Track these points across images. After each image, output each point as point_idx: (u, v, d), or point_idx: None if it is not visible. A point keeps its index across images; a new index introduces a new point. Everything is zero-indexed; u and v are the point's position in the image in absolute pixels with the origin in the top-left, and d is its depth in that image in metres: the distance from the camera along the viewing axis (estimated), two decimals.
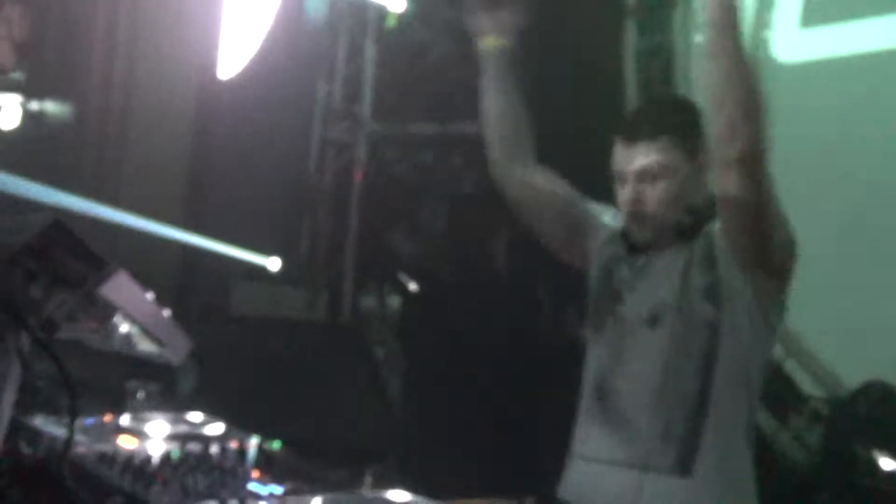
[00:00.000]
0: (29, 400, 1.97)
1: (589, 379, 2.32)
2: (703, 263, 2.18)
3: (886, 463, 3.99)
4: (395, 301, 5.81)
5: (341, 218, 6.12)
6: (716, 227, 2.21)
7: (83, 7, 6.27)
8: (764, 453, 4.89)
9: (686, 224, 2.20)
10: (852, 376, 4.79)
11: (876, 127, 5.08)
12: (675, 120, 2.25)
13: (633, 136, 2.22)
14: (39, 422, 2.04)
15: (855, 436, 4.17)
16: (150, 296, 1.67)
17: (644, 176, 2.19)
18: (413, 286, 5.60)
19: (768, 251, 2.13)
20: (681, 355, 2.14)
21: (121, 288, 1.59)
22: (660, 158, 2.18)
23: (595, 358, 2.32)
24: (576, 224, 2.45)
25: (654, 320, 2.19)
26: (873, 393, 4.21)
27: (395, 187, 6.04)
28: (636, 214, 2.22)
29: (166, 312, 1.72)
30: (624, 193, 2.24)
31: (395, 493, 1.72)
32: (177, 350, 1.72)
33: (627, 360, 2.23)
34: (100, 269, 1.59)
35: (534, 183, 2.44)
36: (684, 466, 2.11)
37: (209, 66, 6.44)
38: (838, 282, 5.22)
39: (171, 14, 6.58)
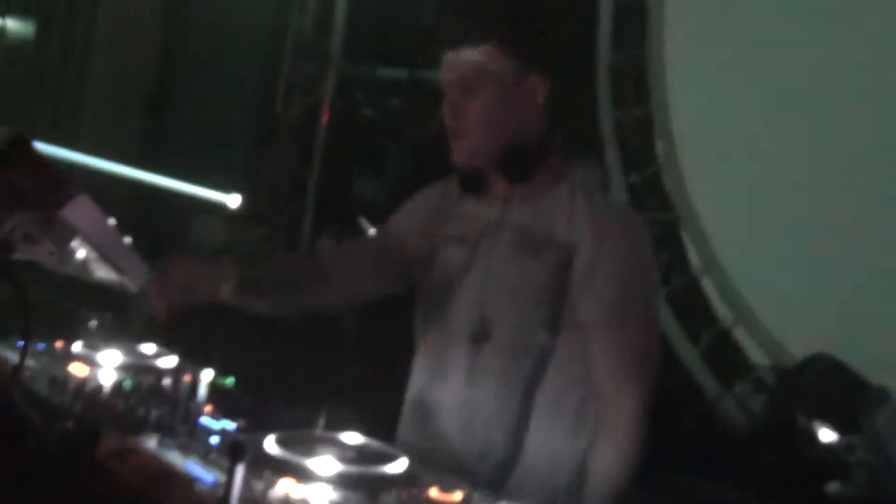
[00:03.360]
0: None
1: (412, 388, 2.15)
2: (551, 287, 1.94)
3: (825, 434, 4.08)
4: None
5: (305, 157, 6.04)
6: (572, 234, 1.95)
7: None
8: (706, 416, 5.01)
9: (514, 160, 1.97)
10: (799, 349, 4.88)
11: None
12: (506, 31, 1.97)
13: (457, 40, 1.97)
14: None
15: (798, 406, 4.26)
16: (111, 221, 1.64)
17: (465, 86, 1.96)
18: (372, 231, 5.57)
19: None
20: (505, 379, 1.98)
21: (82, 211, 1.56)
22: (477, 69, 1.94)
23: (419, 367, 2.14)
24: (394, 257, 2.21)
25: (480, 336, 1.99)
26: (820, 365, 4.29)
27: (361, 130, 5.98)
28: (455, 130, 1.99)
29: (127, 239, 1.69)
30: (444, 106, 2.01)
31: (348, 435, 1.72)
32: (136, 278, 1.70)
33: (449, 377, 2.04)
34: (61, 190, 1.55)
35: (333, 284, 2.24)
36: (498, 485, 1.95)
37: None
38: (794, 254, 5.29)
39: None
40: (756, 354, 5.29)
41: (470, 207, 2.09)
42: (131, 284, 1.73)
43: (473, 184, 2.07)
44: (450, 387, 2.05)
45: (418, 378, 2.15)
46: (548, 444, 2.00)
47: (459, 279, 2.05)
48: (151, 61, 6.53)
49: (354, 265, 2.28)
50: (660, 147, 5.72)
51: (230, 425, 1.75)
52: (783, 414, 4.32)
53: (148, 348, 2.23)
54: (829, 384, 4.20)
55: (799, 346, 4.88)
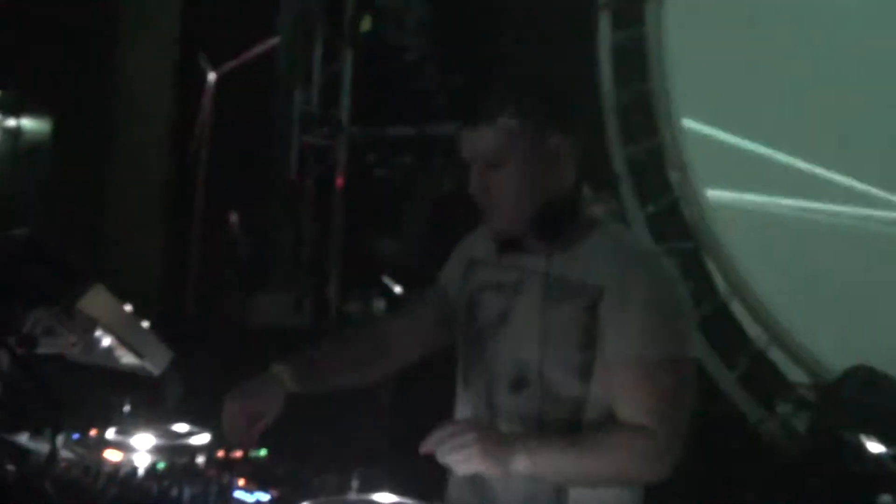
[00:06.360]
0: (15, 419, 1.96)
1: None
2: (581, 332, 1.94)
3: (873, 446, 4.01)
4: (380, 304, 5.82)
5: (324, 223, 6.11)
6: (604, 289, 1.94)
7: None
8: (752, 441, 4.95)
9: (547, 222, 1.98)
10: (836, 362, 4.83)
11: None
12: (517, 99, 1.98)
13: (472, 118, 2.00)
14: (24, 439, 2.03)
15: (841, 421, 4.20)
16: (128, 307, 1.67)
17: (488, 161, 1.97)
18: (398, 288, 5.60)
19: None
20: (545, 426, 1.96)
21: (98, 301, 1.59)
22: (497, 143, 1.95)
23: (461, 413, 2.13)
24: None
25: (519, 384, 2.00)
26: (858, 377, 4.24)
27: (376, 191, 6.05)
28: (485, 204, 2.01)
29: (145, 323, 1.72)
30: (471, 180, 2.01)
31: (381, 496, 1.73)
32: (156, 361, 1.72)
33: (490, 426, 2.00)
34: (76, 283, 1.59)
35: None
36: None
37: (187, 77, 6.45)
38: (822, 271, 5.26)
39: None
40: (794, 373, 5.23)
41: (507, 258, 2.10)
42: (152, 368, 1.76)
43: (510, 246, 2.07)
44: None
45: None
46: (590, 493, 1.96)
47: (497, 327, 2.07)
48: (166, 146, 6.66)
49: (420, 330, 2.30)
50: (674, 176, 5.73)
51: (264, 496, 1.76)
52: (828, 430, 4.26)
53: (181, 428, 2.25)
54: (871, 395, 4.15)
55: (836, 361, 4.83)
